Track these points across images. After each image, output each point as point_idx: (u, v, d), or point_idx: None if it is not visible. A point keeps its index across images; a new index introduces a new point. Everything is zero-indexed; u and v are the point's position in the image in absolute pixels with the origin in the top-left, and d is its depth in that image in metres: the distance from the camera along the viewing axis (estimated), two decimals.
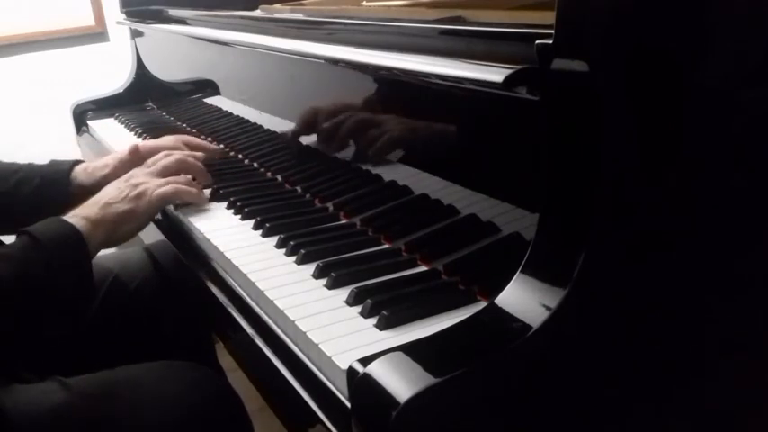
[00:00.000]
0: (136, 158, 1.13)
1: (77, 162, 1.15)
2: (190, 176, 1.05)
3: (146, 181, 0.98)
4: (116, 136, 1.59)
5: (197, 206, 1.02)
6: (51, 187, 1.09)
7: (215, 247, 0.87)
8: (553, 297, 0.51)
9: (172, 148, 1.15)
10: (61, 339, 1.05)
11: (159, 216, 1.12)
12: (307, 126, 1.03)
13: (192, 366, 0.93)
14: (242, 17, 1.23)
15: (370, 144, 0.88)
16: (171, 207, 1.06)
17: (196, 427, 0.85)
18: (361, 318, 0.66)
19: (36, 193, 1.08)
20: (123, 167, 1.10)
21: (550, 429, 0.54)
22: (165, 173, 1.03)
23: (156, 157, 1.06)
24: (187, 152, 1.12)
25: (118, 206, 0.92)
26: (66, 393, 0.84)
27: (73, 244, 0.84)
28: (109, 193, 0.95)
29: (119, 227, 0.92)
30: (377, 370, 0.51)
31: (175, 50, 1.60)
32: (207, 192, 1.06)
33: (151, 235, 1.14)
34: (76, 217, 0.88)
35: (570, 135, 0.53)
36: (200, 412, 0.86)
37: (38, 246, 0.80)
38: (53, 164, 1.15)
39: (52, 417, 0.82)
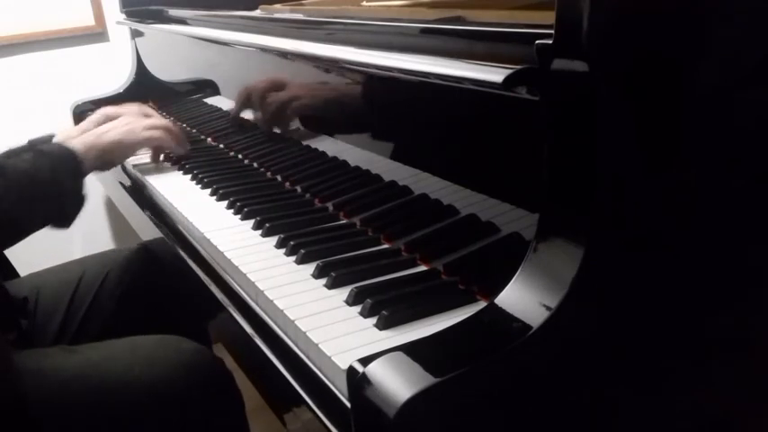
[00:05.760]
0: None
1: (51, 135, 1.18)
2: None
3: (136, 121, 1.16)
4: None
5: (198, 205, 1.03)
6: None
7: (215, 246, 0.87)
8: (553, 297, 0.51)
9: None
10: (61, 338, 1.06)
11: (157, 210, 1.12)
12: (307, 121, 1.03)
13: (185, 340, 0.94)
14: (242, 17, 1.23)
15: (368, 144, 0.88)
16: (172, 206, 1.06)
17: (184, 388, 0.87)
18: (361, 317, 0.66)
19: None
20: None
21: (550, 429, 0.54)
22: (153, 125, 1.19)
23: (148, 111, 1.24)
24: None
25: (109, 135, 1.10)
26: (71, 357, 0.87)
27: (71, 159, 1.00)
28: (104, 125, 1.12)
29: (108, 153, 1.09)
30: (377, 370, 0.51)
31: (175, 50, 1.60)
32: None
33: (150, 234, 1.14)
34: (73, 140, 1.04)
35: (570, 135, 0.53)
36: (191, 375, 0.88)
37: (44, 155, 0.96)
38: (32, 141, 1.16)
39: (56, 379, 0.84)
